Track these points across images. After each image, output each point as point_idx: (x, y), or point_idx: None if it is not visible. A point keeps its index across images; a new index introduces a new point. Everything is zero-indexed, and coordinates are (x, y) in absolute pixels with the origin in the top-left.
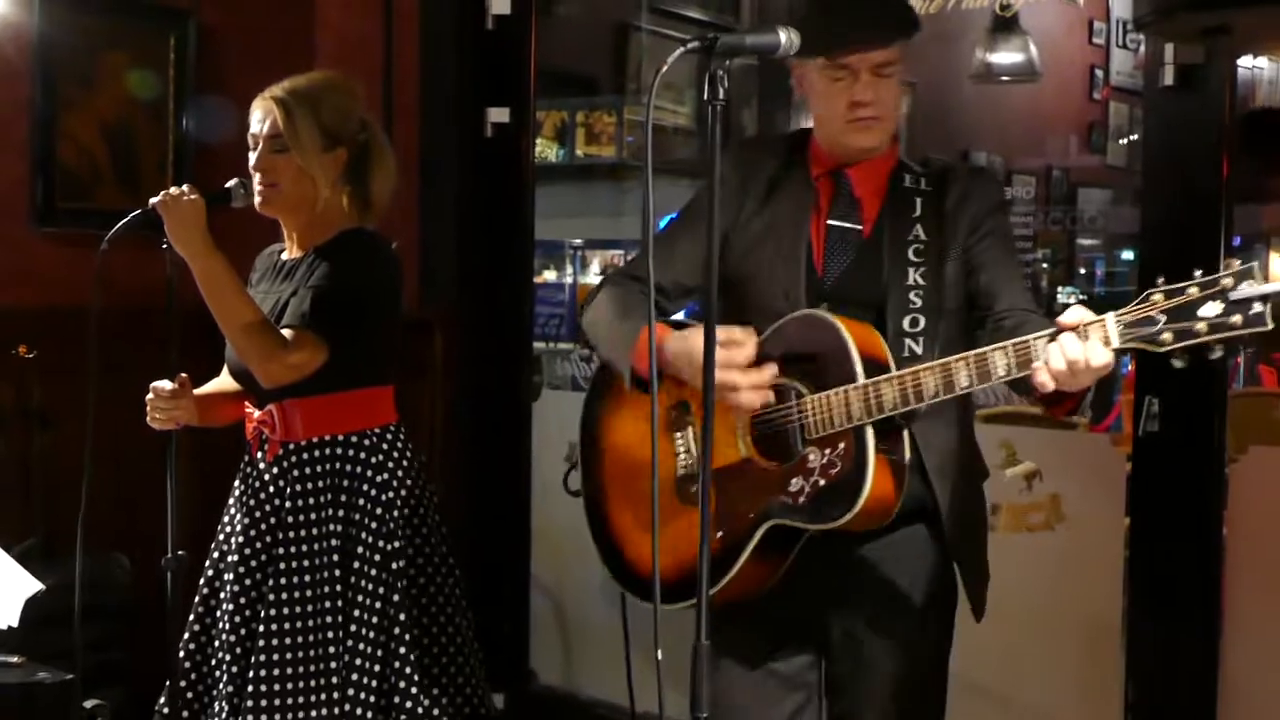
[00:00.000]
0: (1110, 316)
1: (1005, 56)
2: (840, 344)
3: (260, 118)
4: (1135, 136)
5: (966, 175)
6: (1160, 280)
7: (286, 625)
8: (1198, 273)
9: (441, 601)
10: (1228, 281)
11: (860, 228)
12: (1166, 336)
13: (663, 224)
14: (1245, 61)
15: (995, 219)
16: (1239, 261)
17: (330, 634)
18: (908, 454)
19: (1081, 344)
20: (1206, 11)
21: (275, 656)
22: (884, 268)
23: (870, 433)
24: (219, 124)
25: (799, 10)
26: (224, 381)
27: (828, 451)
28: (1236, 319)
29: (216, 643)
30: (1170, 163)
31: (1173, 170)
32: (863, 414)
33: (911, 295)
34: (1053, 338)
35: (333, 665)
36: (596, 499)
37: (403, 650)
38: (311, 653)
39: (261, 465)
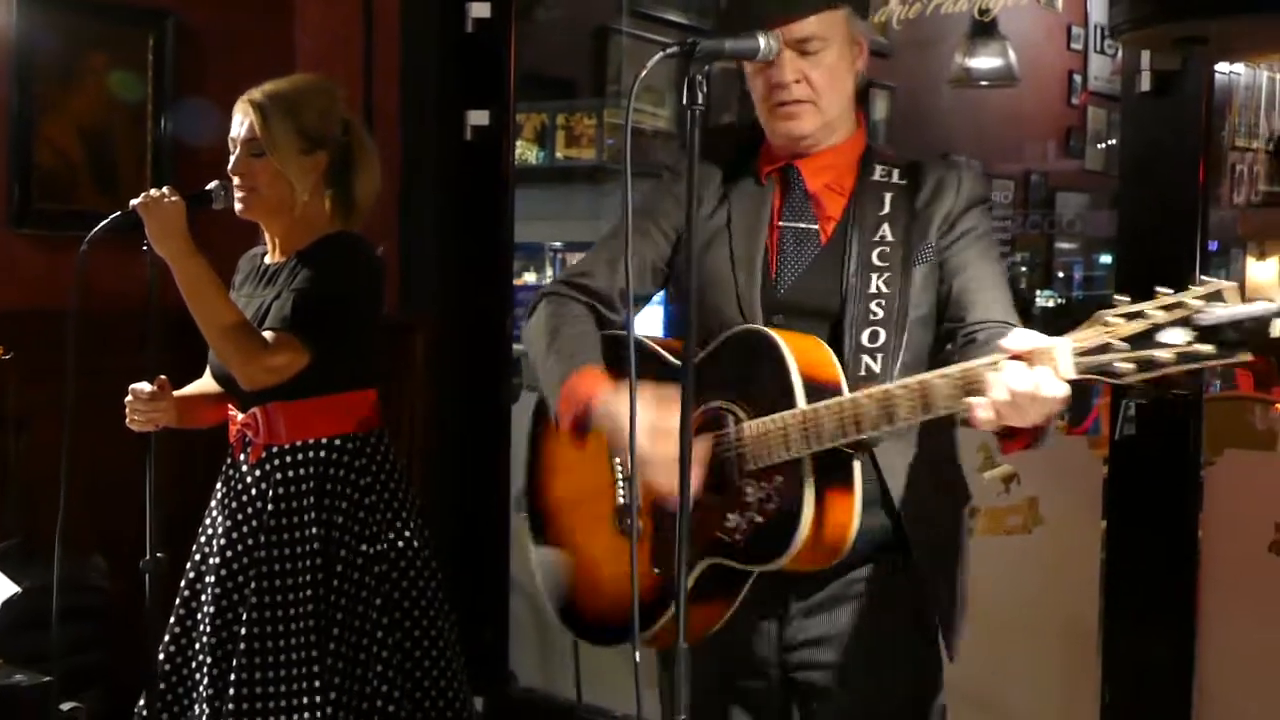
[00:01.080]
0: (1063, 343)
1: (984, 61)
2: (781, 366)
3: (239, 121)
4: (1113, 141)
5: (943, 167)
6: (1119, 299)
7: (267, 628)
8: (1162, 290)
9: (424, 605)
10: (1195, 303)
11: (815, 228)
12: (1125, 367)
13: None
14: (1222, 67)
15: (973, 216)
16: (1210, 278)
17: (311, 637)
18: (858, 486)
19: (1029, 374)
20: (1182, 21)
21: (256, 659)
22: (844, 274)
23: (809, 466)
24: (198, 125)
25: None
26: (206, 383)
27: (764, 485)
28: (1207, 348)
29: (196, 645)
30: (1147, 168)
31: (1150, 176)
32: (802, 445)
33: (873, 305)
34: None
35: (314, 669)
36: (544, 539)
37: (384, 654)
38: (292, 656)
39: (244, 468)
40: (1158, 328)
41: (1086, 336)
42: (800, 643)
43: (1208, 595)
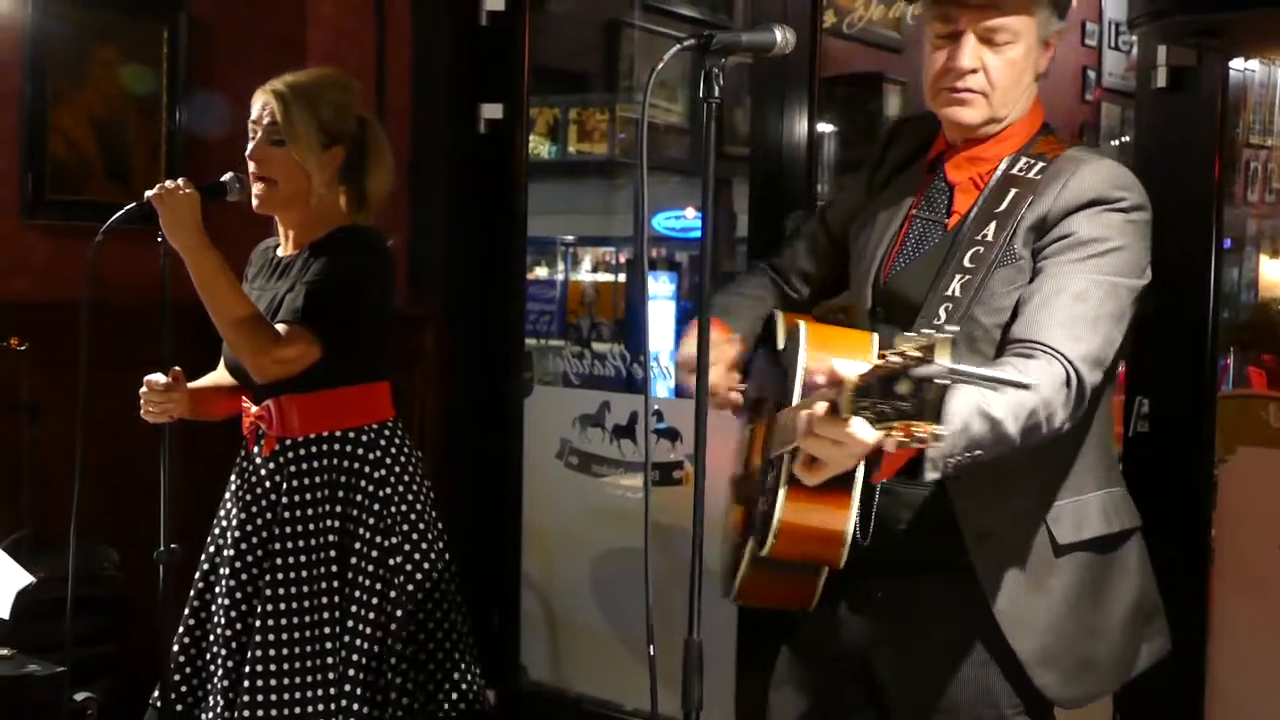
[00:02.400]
0: (850, 378)
1: None
2: (794, 360)
3: (260, 106)
4: (1127, 138)
5: (1069, 163)
6: (907, 336)
7: (282, 620)
8: (908, 336)
9: (438, 598)
10: (914, 354)
11: (944, 221)
12: (868, 414)
13: (655, 220)
14: (1237, 64)
15: (1076, 221)
16: (930, 330)
17: (326, 629)
18: (856, 491)
19: (808, 427)
20: (1199, 14)
21: (271, 651)
22: (939, 270)
23: (786, 460)
24: (211, 117)
25: None
26: (220, 375)
27: (772, 474)
28: (910, 405)
29: (211, 636)
30: (1162, 165)
31: (1164, 172)
32: (777, 441)
33: (941, 309)
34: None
35: (328, 660)
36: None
37: (399, 646)
38: (307, 648)
39: (258, 460)
40: (894, 376)
41: (866, 376)
42: (867, 640)
43: (1220, 593)
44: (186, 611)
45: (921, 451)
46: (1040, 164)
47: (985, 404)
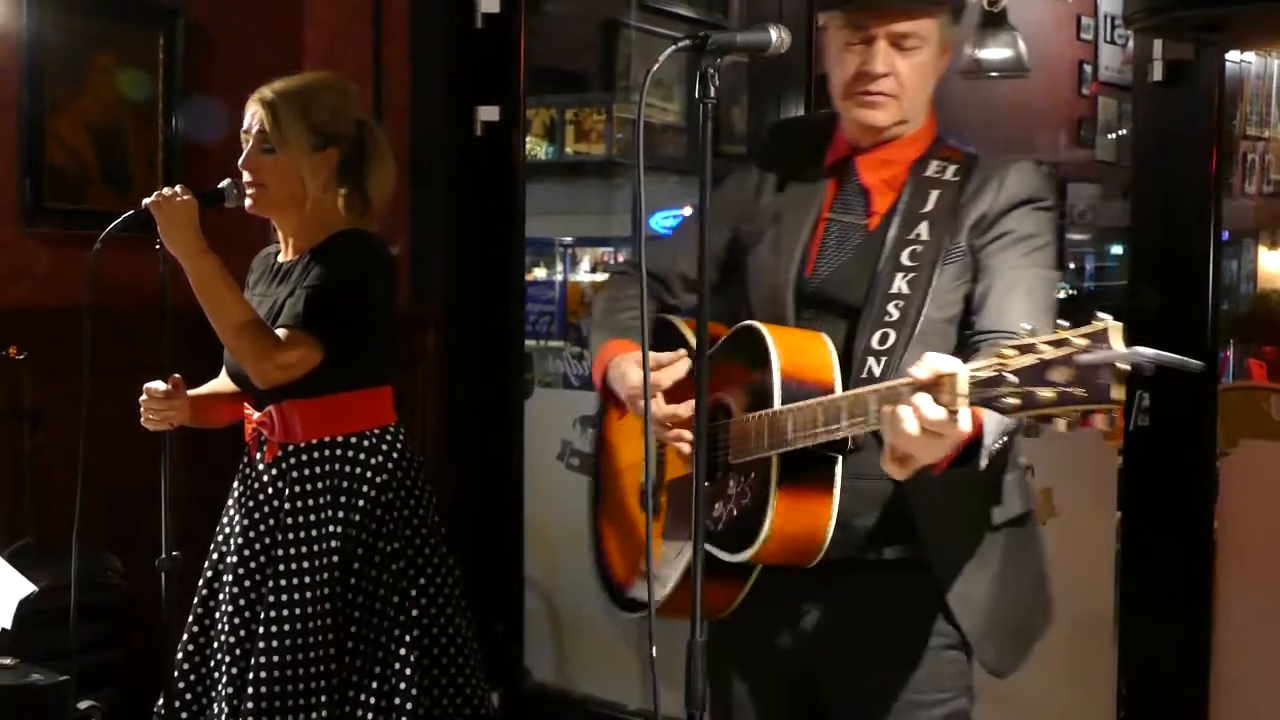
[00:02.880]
0: (962, 372)
1: (994, 52)
2: (766, 364)
3: (250, 115)
4: (1124, 131)
5: (997, 164)
6: (1024, 328)
7: (286, 627)
8: (1060, 324)
9: (441, 602)
10: (1080, 342)
11: (863, 222)
12: (1011, 402)
13: (652, 220)
14: (1233, 56)
15: (1015, 218)
16: (1103, 315)
17: (330, 635)
18: (838, 489)
19: (915, 417)
20: (1197, 9)
21: (275, 658)
22: (874, 270)
23: (775, 464)
24: (208, 123)
25: None
26: (222, 382)
27: (741, 479)
28: (1081, 391)
29: (215, 644)
30: (1159, 158)
31: (1162, 166)
32: (765, 443)
33: (890, 306)
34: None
35: (332, 667)
36: (593, 512)
37: (402, 651)
38: (311, 654)
39: (260, 466)
40: (1046, 364)
41: (982, 368)
42: (814, 633)
43: (1224, 586)
44: (190, 619)
45: (978, 441)
46: (953, 166)
47: None
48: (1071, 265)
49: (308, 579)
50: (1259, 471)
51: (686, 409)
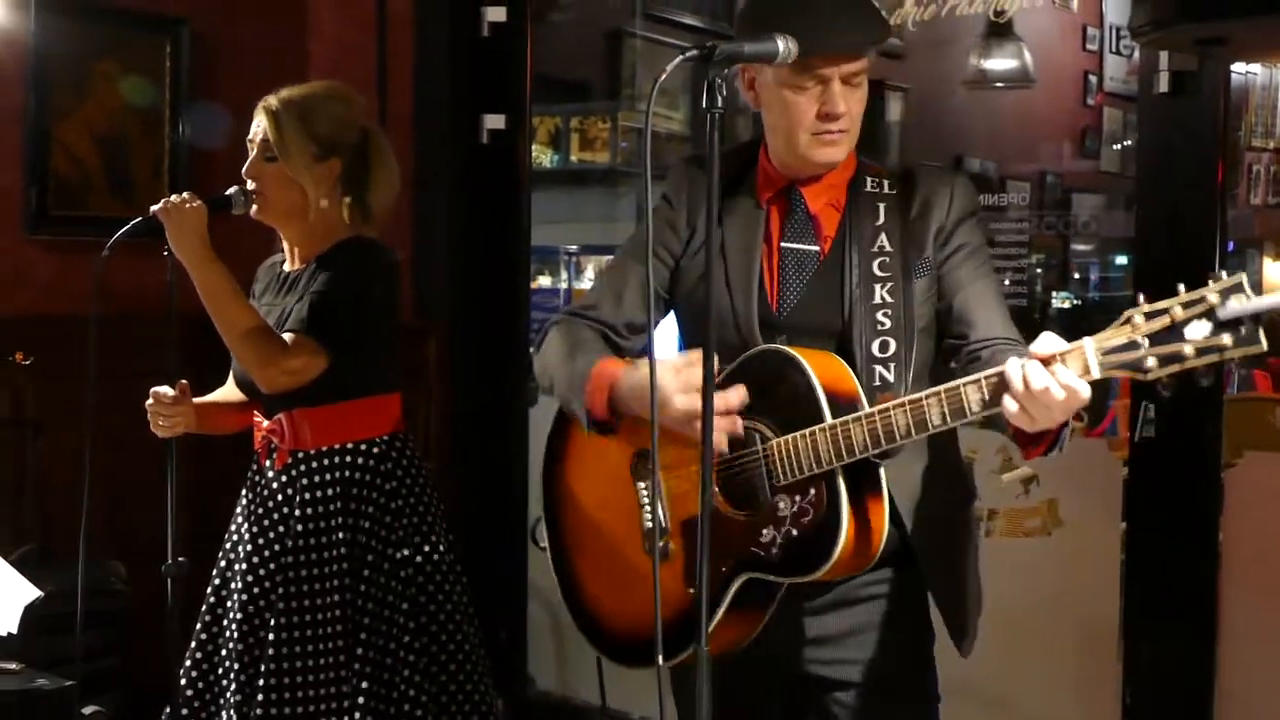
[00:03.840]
0: (1089, 343)
1: (999, 63)
2: (805, 381)
3: (255, 126)
4: (1129, 142)
5: (933, 178)
6: (1141, 298)
7: (295, 633)
8: (1181, 288)
9: (449, 610)
10: (1214, 298)
11: (817, 249)
12: (1151, 363)
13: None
14: (1238, 66)
15: (965, 231)
16: (1225, 274)
17: (339, 642)
18: (886, 491)
19: (1051, 375)
20: (1203, 22)
21: (284, 664)
22: (846, 287)
23: (842, 476)
24: (213, 131)
25: (767, 13)
26: (228, 391)
27: (798, 499)
28: (1226, 339)
29: (223, 651)
30: (1164, 169)
31: (1167, 176)
32: (831, 457)
33: (879, 315)
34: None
35: (340, 673)
36: (564, 560)
37: (410, 658)
38: (320, 661)
39: (270, 474)
40: (1180, 324)
41: (1110, 336)
42: (810, 640)
43: (1229, 597)
44: (198, 626)
45: (1061, 430)
46: (885, 180)
47: None
48: (1076, 275)
49: (318, 585)
50: (1264, 483)
51: (736, 395)
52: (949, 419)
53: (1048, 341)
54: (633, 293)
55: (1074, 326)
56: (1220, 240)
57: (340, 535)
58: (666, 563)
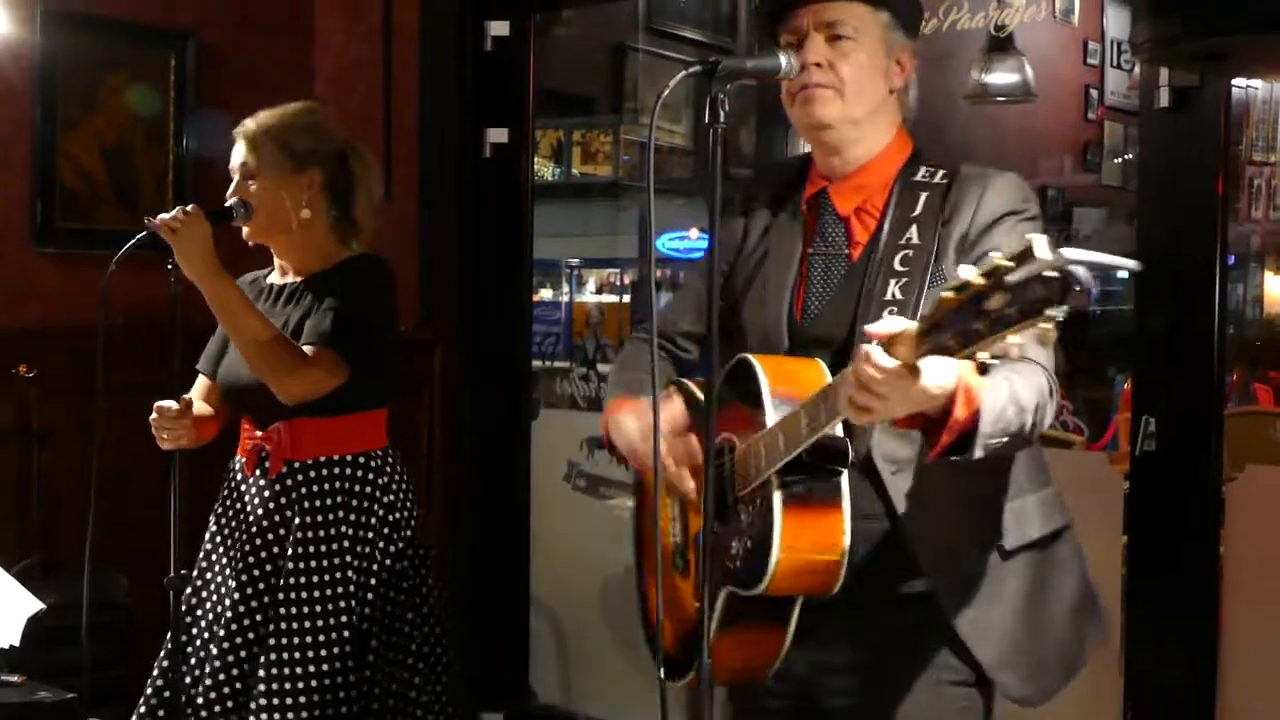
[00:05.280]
0: (910, 326)
1: (1001, 77)
2: (757, 389)
3: (235, 151)
4: (1130, 156)
5: (974, 179)
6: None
7: (294, 640)
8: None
9: (433, 621)
10: (1006, 264)
11: (845, 252)
12: (950, 344)
13: (660, 242)
14: (1239, 81)
15: (997, 235)
16: (1033, 241)
17: (350, 662)
18: (846, 503)
19: (865, 355)
20: (1203, 38)
21: (285, 670)
22: (864, 287)
23: (776, 483)
24: (219, 144)
25: None
26: (198, 405)
27: (750, 509)
28: (1014, 310)
29: (204, 668)
30: (1166, 184)
31: (1168, 191)
32: (766, 463)
33: (885, 314)
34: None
35: (353, 693)
36: (637, 577)
37: (421, 666)
38: (323, 667)
39: (261, 484)
40: (980, 296)
41: (928, 317)
42: (825, 668)
43: (1230, 611)
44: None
45: (972, 431)
46: (941, 171)
47: (1015, 392)
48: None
49: (317, 593)
50: (1265, 497)
51: (680, 446)
52: (826, 416)
53: (884, 323)
54: (691, 306)
55: (1076, 339)
56: (1221, 254)
57: (345, 544)
58: (686, 579)
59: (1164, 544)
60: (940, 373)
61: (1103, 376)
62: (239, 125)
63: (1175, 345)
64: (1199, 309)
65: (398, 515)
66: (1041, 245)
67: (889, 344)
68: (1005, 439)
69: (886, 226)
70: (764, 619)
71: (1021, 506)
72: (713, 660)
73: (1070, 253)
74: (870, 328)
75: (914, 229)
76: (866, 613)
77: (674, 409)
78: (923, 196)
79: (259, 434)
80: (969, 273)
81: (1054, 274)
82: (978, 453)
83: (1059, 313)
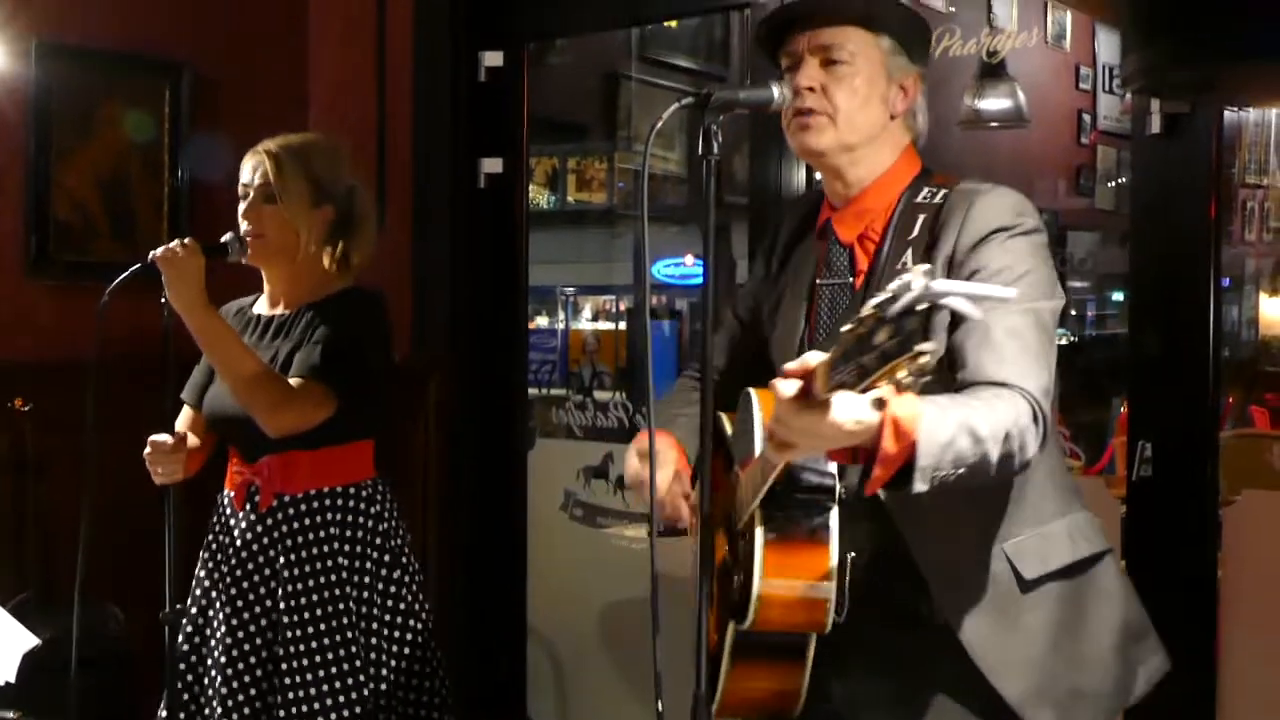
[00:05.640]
0: (823, 359)
1: (993, 103)
2: (751, 420)
3: (252, 168)
4: (1123, 179)
5: (962, 197)
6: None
7: (309, 675)
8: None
9: (429, 654)
10: (888, 298)
11: (850, 281)
12: (848, 378)
13: (655, 269)
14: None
15: (984, 253)
16: (921, 270)
17: (354, 694)
18: (834, 538)
19: (774, 387)
20: (1191, 69)
21: (301, 693)
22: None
23: (759, 517)
24: (213, 161)
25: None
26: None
27: (743, 542)
28: (893, 344)
29: (202, 698)
30: (1158, 208)
31: (1161, 215)
32: (752, 496)
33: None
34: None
35: (355, 707)
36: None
37: (430, 685)
38: (327, 687)
39: (252, 518)
40: (872, 331)
41: (833, 351)
42: (853, 699)
43: (1228, 635)
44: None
45: (911, 463)
46: (942, 190)
47: (970, 421)
48: (1073, 312)
49: (322, 625)
50: (1262, 521)
51: (677, 489)
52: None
53: (803, 357)
54: (722, 340)
55: (1072, 363)
56: (1215, 276)
57: (344, 575)
58: (712, 610)
59: (1162, 568)
60: (852, 407)
61: (1099, 399)
62: (258, 144)
63: (1170, 369)
64: (1193, 333)
65: (394, 543)
66: (916, 277)
67: (809, 378)
68: (960, 470)
69: (884, 252)
70: (776, 654)
71: (1044, 534)
72: (731, 692)
73: (939, 285)
74: (788, 365)
75: (909, 253)
76: (893, 642)
77: (673, 456)
78: (920, 219)
79: (248, 467)
80: (868, 305)
81: (925, 306)
82: (918, 486)
83: (929, 347)
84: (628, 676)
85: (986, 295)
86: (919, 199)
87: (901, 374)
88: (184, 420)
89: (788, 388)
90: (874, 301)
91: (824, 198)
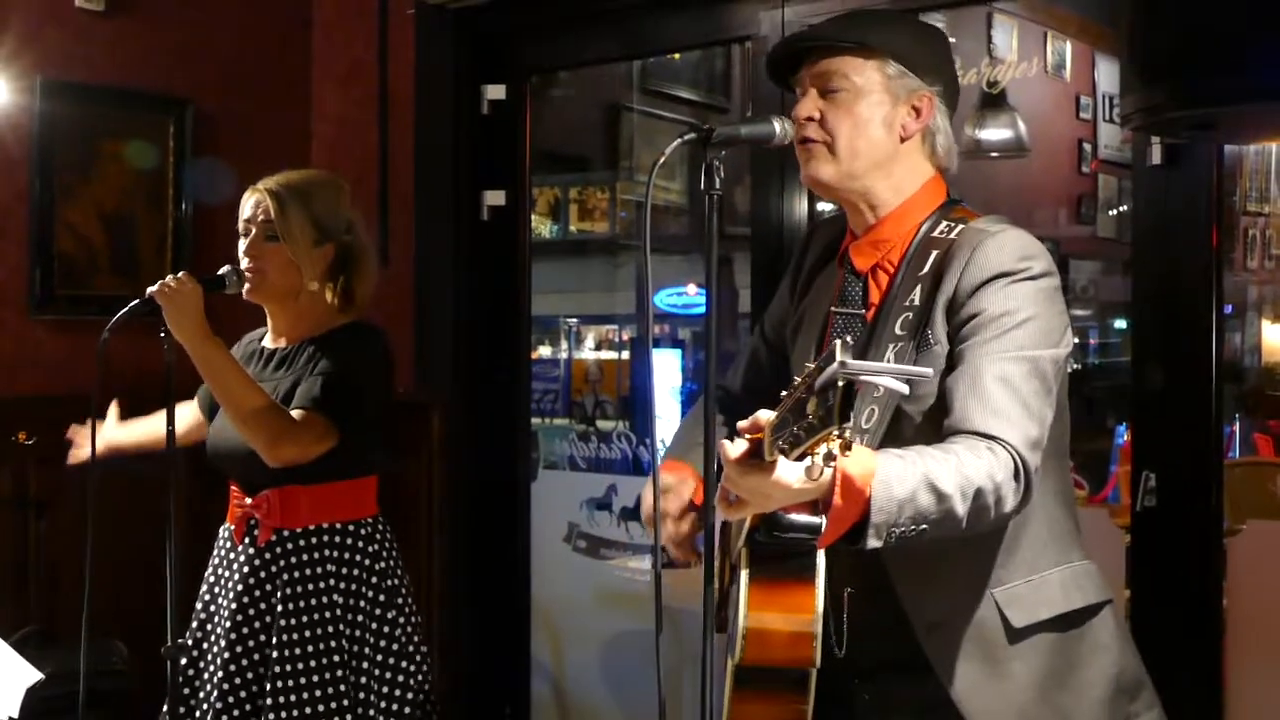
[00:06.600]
0: (771, 418)
1: (994, 133)
2: None
3: (253, 204)
4: (1124, 208)
5: (968, 239)
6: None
7: (295, 713)
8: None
9: (420, 691)
10: (814, 370)
11: (862, 313)
12: (784, 444)
13: (658, 298)
14: None
15: (983, 299)
16: (844, 343)
17: (348, 717)
18: (820, 578)
19: (721, 449)
20: (1189, 110)
21: None
22: (869, 348)
23: (744, 556)
24: (217, 190)
25: None
26: (147, 429)
27: (733, 580)
28: (817, 418)
29: None
30: (1160, 237)
31: (1162, 244)
32: (736, 532)
33: None
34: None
35: None
36: None
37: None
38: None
39: (250, 551)
40: (804, 400)
41: (777, 415)
42: None
43: (1233, 665)
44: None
45: (865, 519)
46: (958, 226)
47: (934, 477)
48: (1076, 341)
49: (313, 662)
50: (1266, 551)
51: (672, 526)
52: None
53: (754, 415)
54: (741, 364)
55: (1074, 392)
56: (1217, 304)
57: (338, 612)
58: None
59: (1166, 598)
60: (796, 468)
61: (1102, 428)
62: (259, 181)
63: (1173, 399)
64: (1196, 361)
65: (390, 583)
66: (838, 352)
67: (758, 438)
68: (922, 526)
69: (896, 285)
70: (776, 686)
71: (1040, 583)
72: None
73: (854, 365)
74: (740, 423)
75: (918, 290)
76: (887, 684)
77: (689, 490)
78: (933, 254)
79: (248, 501)
80: (803, 374)
81: (842, 384)
82: (871, 542)
83: (847, 428)
84: (632, 709)
85: (906, 373)
86: (936, 232)
87: (828, 446)
88: (188, 409)
89: (734, 449)
90: (806, 373)
91: (847, 223)
